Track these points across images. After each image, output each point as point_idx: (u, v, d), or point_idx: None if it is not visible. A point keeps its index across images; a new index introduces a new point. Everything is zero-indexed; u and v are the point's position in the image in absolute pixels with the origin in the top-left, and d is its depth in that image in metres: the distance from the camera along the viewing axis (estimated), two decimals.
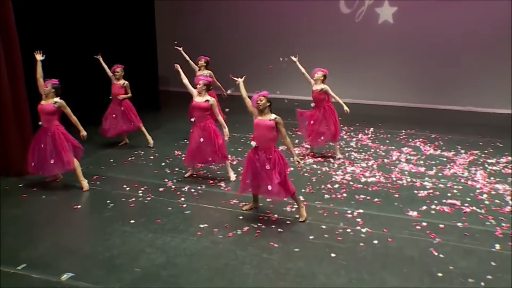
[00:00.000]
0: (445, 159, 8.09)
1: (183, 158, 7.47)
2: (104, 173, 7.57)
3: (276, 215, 6.01)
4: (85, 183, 6.91)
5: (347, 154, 8.41)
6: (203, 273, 4.78)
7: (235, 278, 4.71)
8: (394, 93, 12.34)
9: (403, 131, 9.84)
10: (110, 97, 8.73)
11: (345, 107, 7.94)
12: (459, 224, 5.73)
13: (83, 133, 6.84)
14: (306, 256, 5.06)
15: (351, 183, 7.08)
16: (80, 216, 6.19)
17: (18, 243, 5.36)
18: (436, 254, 5.06)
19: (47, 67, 9.60)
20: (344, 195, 6.65)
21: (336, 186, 6.96)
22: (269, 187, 5.60)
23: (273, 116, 5.70)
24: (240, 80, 6.25)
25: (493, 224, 5.75)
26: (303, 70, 8.14)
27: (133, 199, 6.57)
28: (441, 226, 5.68)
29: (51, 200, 6.59)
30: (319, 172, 7.57)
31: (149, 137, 8.88)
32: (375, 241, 5.34)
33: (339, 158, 8.11)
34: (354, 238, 5.44)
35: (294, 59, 8.19)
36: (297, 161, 5.90)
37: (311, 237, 5.45)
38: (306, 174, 7.46)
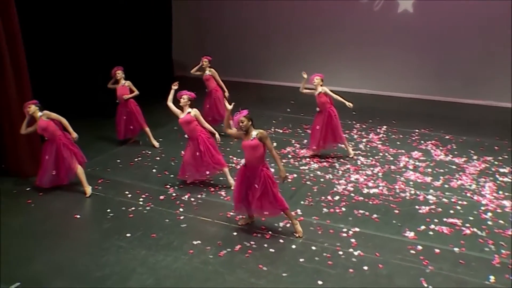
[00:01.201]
0: (454, 167, 7.85)
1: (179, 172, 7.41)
2: (109, 176, 7.69)
3: (270, 232, 5.99)
4: (88, 190, 7.04)
5: (353, 158, 8.26)
6: None
7: None
8: (413, 85, 11.96)
9: (417, 130, 9.57)
10: (117, 101, 8.78)
11: (347, 103, 7.96)
12: (455, 249, 5.58)
13: (74, 135, 6.98)
14: (293, 283, 5.05)
15: (352, 194, 6.97)
16: (80, 227, 6.31)
17: (17, 258, 5.53)
18: (425, 285, 4.97)
19: (60, 58, 9.77)
20: (343, 209, 6.56)
21: (337, 198, 6.87)
22: (257, 205, 5.70)
23: (254, 133, 5.64)
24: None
25: (492, 250, 5.57)
26: (302, 87, 8.11)
27: (133, 208, 6.66)
28: (437, 251, 5.55)
29: (54, 207, 6.76)
30: (322, 180, 7.47)
31: (154, 141, 8.90)
32: (365, 267, 5.27)
33: (351, 157, 8.19)
34: (344, 262, 5.38)
35: (304, 76, 8.02)
36: (283, 177, 5.73)
37: (301, 260, 5.42)
38: (308, 183, 7.38)
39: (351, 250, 5.60)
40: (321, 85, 7.92)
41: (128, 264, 5.40)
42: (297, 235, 5.88)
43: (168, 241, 5.85)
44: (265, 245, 5.73)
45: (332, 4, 12.32)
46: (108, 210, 6.59)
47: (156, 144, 8.88)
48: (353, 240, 5.81)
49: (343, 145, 8.30)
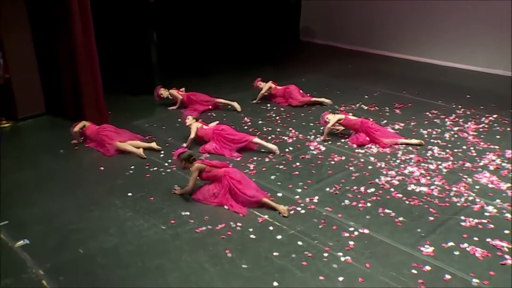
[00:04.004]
0: None
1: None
2: (158, 133, 7.66)
3: (266, 216, 5.27)
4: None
5: (427, 147, 6.86)
6: (131, 271, 4.47)
7: (155, 282, 4.32)
8: None
9: None
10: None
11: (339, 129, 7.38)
12: (474, 280, 4.20)
13: None
14: (245, 278, 4.33)
15: (392, 189, 5.76)
16: (95, 179, 6.25)
17: (27, 200, 5.74)
18: None
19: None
20: (368, 204, 5.45)
21: (371, 190, 5.75)
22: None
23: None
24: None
25: None
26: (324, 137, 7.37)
27: (155, 168, 6.48)
28: (447, 277, 4.25)
29: (90, 157, 6.92)
30: (369, 167, 6.34)
31: (235, 104, 8.73)
32: (341, 278, 4.27)
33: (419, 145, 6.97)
34: (321, 267, 4.43)
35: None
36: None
37: (275, 254, 4.63)
38: (351, 168, 6.33)
39: (340, 254, 4.60)
40: (334, 114, 7.29)
41: (106, 223, 5.22)
42: (283, 215, 5.25)
43: (159, 207, 5.53)
44: (250, 229, 5.05)
45: None
46: (132, 167, 6.53)
47: (238, 108, 8.67)
48: (351, 242, 4.78)
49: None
